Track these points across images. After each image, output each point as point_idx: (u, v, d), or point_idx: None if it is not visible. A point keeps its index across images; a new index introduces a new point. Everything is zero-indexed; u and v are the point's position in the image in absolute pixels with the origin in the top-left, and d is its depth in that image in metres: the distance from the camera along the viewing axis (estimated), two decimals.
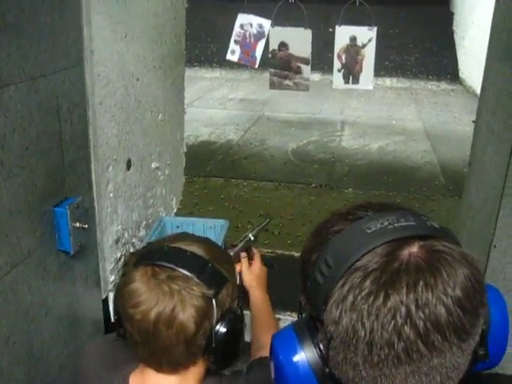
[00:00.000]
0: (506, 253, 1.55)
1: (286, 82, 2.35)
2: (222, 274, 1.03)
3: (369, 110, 8.14)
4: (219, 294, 1.01)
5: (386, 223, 0.69)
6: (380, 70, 9.82)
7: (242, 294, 1.49)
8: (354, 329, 0.66)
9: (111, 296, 2.04)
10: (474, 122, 2.29)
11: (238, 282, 1.15)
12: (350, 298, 0.66)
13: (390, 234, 0.68)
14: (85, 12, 1.64)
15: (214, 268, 1.02)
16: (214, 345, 1.01)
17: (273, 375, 0.81)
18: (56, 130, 1.56)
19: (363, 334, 0.65)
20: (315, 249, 0.73)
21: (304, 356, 0.74)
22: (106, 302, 2.02)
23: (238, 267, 1.55)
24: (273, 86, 2.39)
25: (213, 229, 2.33)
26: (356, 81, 2.30)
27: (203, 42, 11.11)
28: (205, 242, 1.11)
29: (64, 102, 1.58)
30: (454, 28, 10.94)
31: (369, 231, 0.68)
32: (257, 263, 1.63)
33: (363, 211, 0.74)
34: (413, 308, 0.63)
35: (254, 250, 1.69)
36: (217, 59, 10.81)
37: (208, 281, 1.00)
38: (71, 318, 1.76)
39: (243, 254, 1.65)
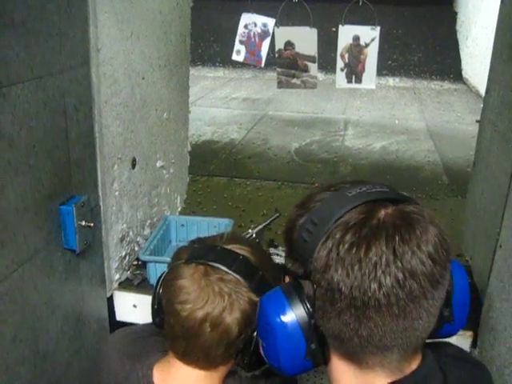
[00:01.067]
0: None
1: (294, 80, 2.35)
2: (271, 284, 1.04)
3: (372, 110, 8.14)
4: None
5: (364, 188, 0.80)
6: (383, 69, 9.82)
7: None
8: (339, 277, 0.74)
9: (116, 295, 2.05)
10: (477, 121, 2.28)
11: None
12: (334, 249, 0.75)
13: (367, 196, 0.78)
14: (91, 11, 1.64)
15: (263, 276, 1.04)
16: (251, 349, 1.02)
17: (259, 336, 0.89)
18: (62, 128, 1.56)
19: (348, 281, 0.73)
20: (300, 215, 0.83)
21: (292, 311, 0.82)
22: (110, 300, 2.03)
23: None
24: (280, 85, 2.39)
25: (217, 228, 2.33)
26: (359, 80, 2.30)
27: (206, 41, 11.11)
28: (257, 247, 1.13)
29: (70, 100, 1.59)
30: (458, 28, 10.92)
31: (349, 195, 0.79)
32: None
33: (342, 184, 0.85)
34: (391, 258, 0.72)
35: None
36: (220, 58, 10.81)
37: (257, 289, 1.01)
38: (76, 317, 1.76)
39: None
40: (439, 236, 0.75)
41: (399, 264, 0.71)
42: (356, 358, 0.79)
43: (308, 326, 0.80)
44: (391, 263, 0.71)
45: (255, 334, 1.01)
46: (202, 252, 1.05)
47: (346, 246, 0.73)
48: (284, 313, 0.82)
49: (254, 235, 2.00)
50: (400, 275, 0.71)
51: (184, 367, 1.05)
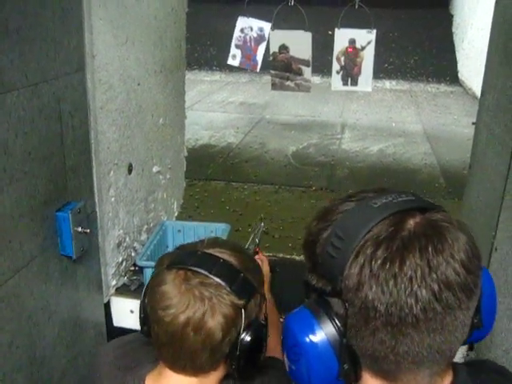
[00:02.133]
0: (508, 256, 1.55)
1: (288, 83, 2.35)
2: (253, 285, 1.04)
3: (369, 113, 8.16)
4: (248, 305, 1.01)
5: (389, 198, 0.76)
6: (380, 72, 9.84)
7: None
8: (374, 295, 0.70)
9: (113, 300, 2.04)
10: (473, 123, 2.28)
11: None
12: (367, 266, 0.71)
13: (394, 207, 0.74)
14: (86, 17, 1.64)
15: (245, 278, 1.03)
16: (237, 353, 1.01)
17: (286, 359, 0.84)
18: (58, 134, 1.57)
19: (383, 298, 0.70)
20: (323, 229, 0.78)
21: (321, 331, 0.78)
22: (107, 306, 2.02)
23: None
24: (274, 87, 2.40)
25: (214, 233, 2.33)
26: (354, 83, 2.30)
27: (203, 45, 11.13)
28: (237, 250, 1.11)
29: (66, 107, 1.59)
30: (454, 30, 10.96)
31: (375, 206, 0.75)
32: (265, 267, 1.63)
33: (364, 193, 0.80)
34: (426, 270, 0.69)
35: (262, 256, 1.69)
36: (216, 62, 10.83)
37: (239, 291, 1.01)
38: (73, 323, 1.76)
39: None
40: (469, 243, 0.73)
41: (434, 276, 0.68)
42: (391, 375, 0.77)
43: (340, 346, 0.77)
44: (427, 276, 0.68)
45: (241, 337, 1.01)
46: (183, 257, 1.05)
47: (379, 261, 0.70)
48: (313, 332, 0.78)
49: (257, 242, 2.02)
50: (436, 287, 0.69)
51: (175, 376, 1.04)
